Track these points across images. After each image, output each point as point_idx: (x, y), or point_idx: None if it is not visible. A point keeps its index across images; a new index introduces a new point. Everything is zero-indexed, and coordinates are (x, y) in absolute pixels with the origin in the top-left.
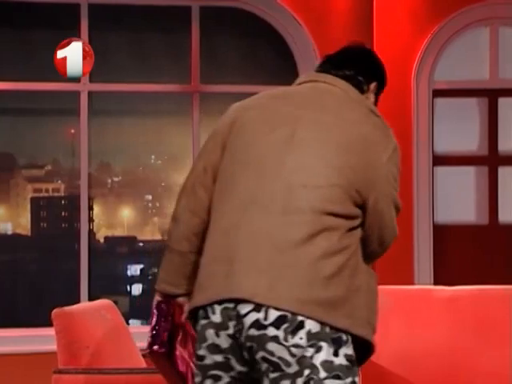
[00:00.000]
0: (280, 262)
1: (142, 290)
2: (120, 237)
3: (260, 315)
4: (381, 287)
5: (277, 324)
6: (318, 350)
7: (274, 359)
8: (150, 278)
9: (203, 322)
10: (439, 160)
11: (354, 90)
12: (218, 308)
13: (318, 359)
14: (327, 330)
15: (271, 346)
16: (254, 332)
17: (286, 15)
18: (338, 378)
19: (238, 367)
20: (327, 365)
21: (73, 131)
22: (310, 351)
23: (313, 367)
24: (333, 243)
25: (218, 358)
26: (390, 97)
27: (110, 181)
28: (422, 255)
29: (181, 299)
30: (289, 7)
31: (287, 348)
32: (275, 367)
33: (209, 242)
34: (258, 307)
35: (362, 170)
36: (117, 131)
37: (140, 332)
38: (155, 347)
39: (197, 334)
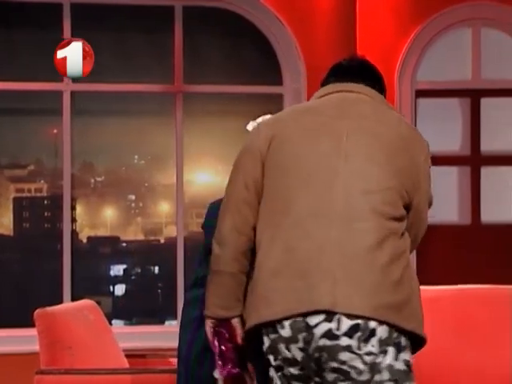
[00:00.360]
0: (352, 270)
1: (125, 291)
2: (103, 237)
3: (332, 325)
4: None
5: (350, 333)
6: (385, 354)
7: (345, 368)
8: (133, 278)
9: (273, 336)
10: None
11: (380, 95)
12: (286, 322)
13: (385, 363)
14: (394, 334)
15: (343, 355)
16: (325, 342)
17: (269, 15)
18: (396, 382)
19: (316, 378)
20: (390, 368)
21: (55, 131)
22: (380, 357)
23: (381, 371)
24: (396, 247)
25: (294, 370)
26: None
27: (92, 181)
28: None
29: (235, 321)
30: (272, 7)
31: (360, 356)
32: (345, 376)
33: (266, 257)
34: (329, 317)
35: (408, 170)
36: (100, 131)
37: (123, 332)
38: (229, 368)
39: (267, 348)
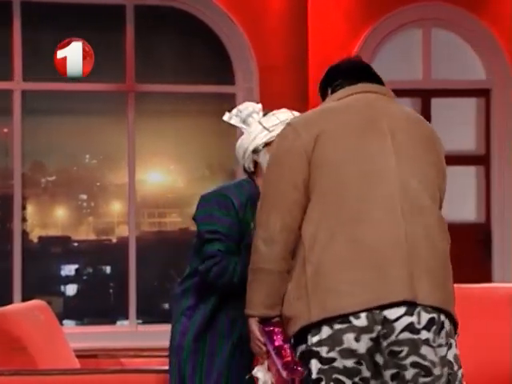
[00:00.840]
0: (427, 264)
1: (77, 291)
2: (54, 236)
3: (413, 319)
4: None
5: (428, 327)
6: (450, 347)
7: (426, 363)
8: (84, 278)
9: (339, 326)
10: None
11: (392, 94)
12: (363, 313)
13: (451, 354)
14: (453, 327)
15: (424, 349)
16: (407, 336)
17: (221, 15)
18: (460, 366)
19: (365, 373)
20: (456, 358)
21: (6, 130)
22: (445, 349)
23: (449, 363)
24: (447, 239)
25: (349, 363)
26: None
27: (44, 180)
28: None
29: (278, 320)
30: (224, 7)
31: (434, 349)
32: (427, 372)
33: (326, 251)
34: (410, 310)
35: (438, 167)
36: (51, 130)
37: (74, 332)
38: (296, 368)
39: (323, 339)
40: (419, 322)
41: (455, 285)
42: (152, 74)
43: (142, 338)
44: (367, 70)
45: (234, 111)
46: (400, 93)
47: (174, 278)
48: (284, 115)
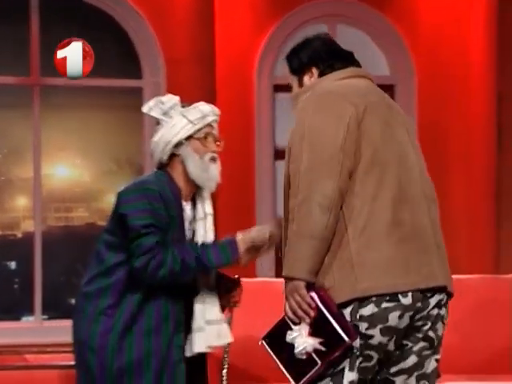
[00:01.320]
0: (441, 249)
1: None
2: None
3: (441, 296)
4: None
5: (445, 304)
6: (446, 325)
7: (434, 337)
8: None
9: (387, 304)
10: (281, 154)
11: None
12: (410, 292)
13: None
14: None
15: (439, 325)
16: (434, 312)
17: (127, 9)
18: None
19: (391, 347)
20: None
21: None
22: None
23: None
24: None
25: (384, 339)
26: (233, 92)
27: None
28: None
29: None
30: (131, 1)
31: (444, 326)
32: (431, 345)
33: (373, 228)
34: (440, 289)
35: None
36: None
37: None
38: (355, 333)
39: (366, 316)
40: (442, 299)
41: None
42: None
43: (47, 333)
44: (352, 54)
45: (154, 102)
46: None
47: (81, 272)
48: (206, 108)
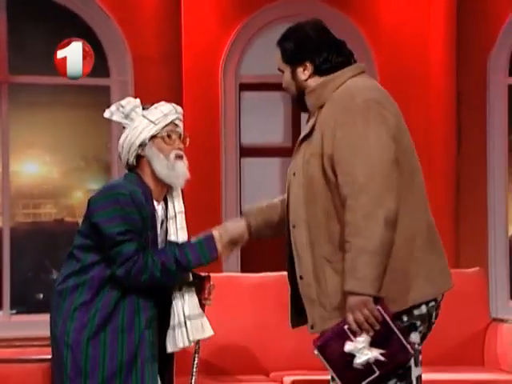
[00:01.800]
0: None
1: None
2: None
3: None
4: None
5: None
6: None
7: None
8: None
9: (432, 303)
10: (246, 151)
11: None
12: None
13: None
14: None
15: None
16: (437, 312)
17: (94, 8)
18: None
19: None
20: None
21: None
22: None
23: None
24: None
25: (427, 334)
26: (199, 90)
27: None
28: None
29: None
30: (98, 0)
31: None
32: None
33: (415, 237)
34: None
35: None
36: None
37: None
38: (412, 346)
39: (418, 315)
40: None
41: None
42: (25, 65)
43: (15, 327)
44: (345, 44)
45: (115, 107)
46: (271, 86)
47: (49, 268)
48: (166, 107)
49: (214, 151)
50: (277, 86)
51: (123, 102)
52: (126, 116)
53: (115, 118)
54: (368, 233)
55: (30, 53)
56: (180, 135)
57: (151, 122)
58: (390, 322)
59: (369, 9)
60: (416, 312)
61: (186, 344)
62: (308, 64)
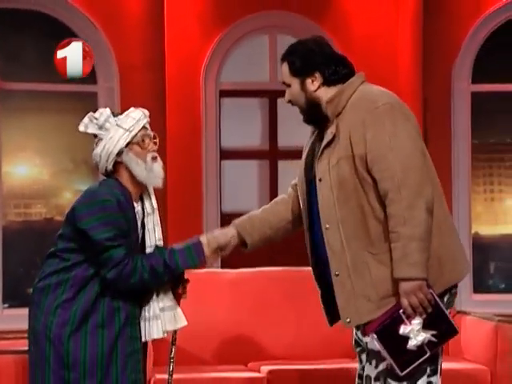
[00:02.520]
0: None
1: None
2: None
3: None
4: None
5: None
6: None
7: None
8: None
9: (454, 290)
10: (226, 154)
11: None
12: None
13: None
14: None
15: None
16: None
17: (81, 17)
18: None
19: None
20: None
21: None
22: None
23: None
24: None
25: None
26: (181, 96)
27: None
28: None
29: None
30: (84, 9)
31: None
32: None
33: (443, 225)
34: None
35: None
36: None
37: None
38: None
39: (452, 296)
40: None
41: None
42: (17, 73)
43: (7, 321)
44: (346, 58)
45: (88, 120)
46: (249, 93)
47: (39, 265)
48: (137, 114)
49: (196, 154)
50: (255, 93)
51: (96, 114)
52: (101, 127)
53: (90, 130)
54: (414, 221)
55: (20, 61)
56: (151, 137)
57: (126, 129)
58: (441, 304)
59: (341, 20)
60: (446, 296)
61: (161, 335)
62: (317, 75)
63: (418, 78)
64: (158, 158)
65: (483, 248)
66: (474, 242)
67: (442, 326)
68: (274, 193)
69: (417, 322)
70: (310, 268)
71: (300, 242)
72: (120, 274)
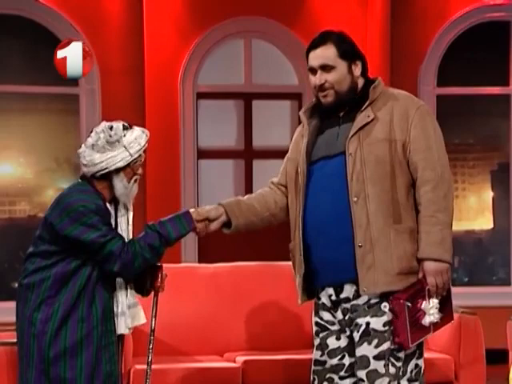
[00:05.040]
0: None
1: None
2: None
3: None
4: None
5: None
6: None
7: None
8: None
9: None
10: (203, 154)
11: None
12: None
13: None
14: None
15: None
16: None
17: (63, 22)
18: None
19: None
20: None
21: None
22: None
23: None
24: None
25: None
26: (160, 98)
27: None
28: (189, 237)
29: None
30: (66, 14)
31: None
32: None
33: None
34: None
35: None
36: None
37: None
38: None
39: None
40: None
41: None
42: (2, 75)
43: None
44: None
45: (102, 130)
46: (225, 95)
47: (23, 260)
48: (143, 140)
49: (174, 153)
50: (230, 95)
51: (112, 132)
52: (109, 143)
53: (100, 142)
54: (449, 211)
55: (4, 64)
56: (142, 162)
57: (130, 154)
58: (452, 290)
59: (311, 25)
60: None
61: (126, 331)
62: (359, 63)
63: (385, 82)
64: (137, 181)
65: None
66: None
67: (447, 310)
68: (249, 191)
69: (436, 301)
70: (283, 263)
71: (276, 238)
72: (125, 264)
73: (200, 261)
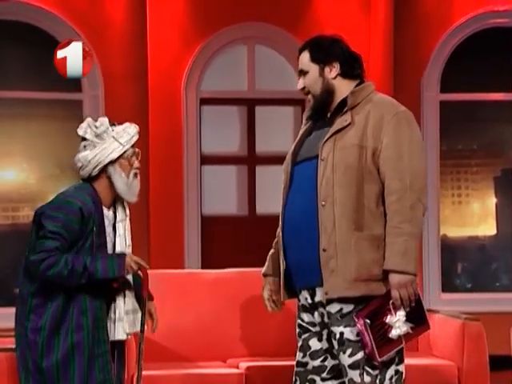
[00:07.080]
0: None
1: None
2: None
3: None
4: (155, 272)
5: None
6: None
7: None
8: None
9: None
10: (206, 160)
11: None
12: None
13: None
14: None
15: None
16: None
17: (66, 28)
18: None
19: None
20: None
21: None
22: None
23: None
24: None
25: None
26: (163, 104)
27: None
28: (191, 242)
29: None
30: (69, 20)
31: None
32: None
33: None
34: None
35: None
36: None
37: None
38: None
39: None
40: None
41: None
42: (4, 81)
43: None
44: (361, 58)
45: (87, 125)
46: (228, 101)
47: None
48: (132, 130)
49: (177, 159)
50: (233, 101)
51: (97, 124)
52: (98, 135)
53: (88, 135)
54: (416, 222)
55: (7, 70)
56: (137, 154)
57: (120, 144)
58: (422, 301)
59: (315, 32)
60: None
61: (124, 337)
62: (336, 65)
63: (389, 88)
64: (138, 176)
65: (451, 249)
66: (442, 244)
67: (419, 320)
68: (252, 196)
69: (402, 313)
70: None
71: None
72: (42, 261)
73: (203, 266)
